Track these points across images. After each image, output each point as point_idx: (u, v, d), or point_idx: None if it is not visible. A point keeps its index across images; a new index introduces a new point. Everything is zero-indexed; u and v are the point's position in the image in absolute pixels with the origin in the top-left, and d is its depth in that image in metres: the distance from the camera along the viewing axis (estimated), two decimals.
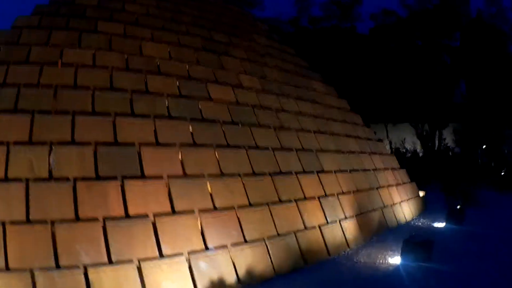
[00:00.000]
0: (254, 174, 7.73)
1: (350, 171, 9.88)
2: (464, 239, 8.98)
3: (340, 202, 8.64)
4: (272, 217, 7.16)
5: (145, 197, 6.05)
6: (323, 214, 8.06)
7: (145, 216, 5.85)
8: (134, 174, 6.29)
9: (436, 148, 26.31)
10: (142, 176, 6.37)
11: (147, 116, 7.31)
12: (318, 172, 8.85)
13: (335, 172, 9.31)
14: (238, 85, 9.66)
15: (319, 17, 34.34)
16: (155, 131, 7.17)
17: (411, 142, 27.26)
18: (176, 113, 7.76)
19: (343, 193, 9.02)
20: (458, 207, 13.47)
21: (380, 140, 13.35)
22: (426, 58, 28.15)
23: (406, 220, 10.87)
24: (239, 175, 7.44)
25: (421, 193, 13.98)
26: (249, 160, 7.87)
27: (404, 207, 11.15)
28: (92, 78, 7.46)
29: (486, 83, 25.77)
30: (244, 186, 7.30)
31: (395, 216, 10.42)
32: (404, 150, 25.45)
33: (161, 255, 5.60)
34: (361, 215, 8.96)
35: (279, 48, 13.12)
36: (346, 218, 8.48)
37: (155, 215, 5.90)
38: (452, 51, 28.53)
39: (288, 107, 10.25)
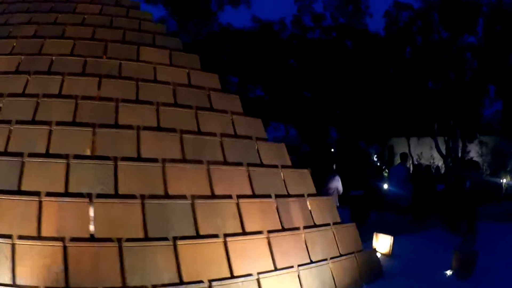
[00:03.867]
0: None
1: (99, 196, 4.53)
2: None
3: None
4: None
5: None
6: None
7: None
8: None
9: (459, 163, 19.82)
10: None
11: None
12: None
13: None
14: None
15: (322, 15, 28.64)
16: None
17: (430, 157, 21.04)
18: None
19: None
20: None
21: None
22: (449, 59, 22.16)
23: None
24: None
25: (385, 242, 7.60)
26: None
27: (276, 282, 5.22)
28: None
29: None
30: None
31: None
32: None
33: None
34: None
35: (119, 15, 8.33)
36: None
37: None
38: (476, 49, 22.26)
39: (41, 86, 5.49)
